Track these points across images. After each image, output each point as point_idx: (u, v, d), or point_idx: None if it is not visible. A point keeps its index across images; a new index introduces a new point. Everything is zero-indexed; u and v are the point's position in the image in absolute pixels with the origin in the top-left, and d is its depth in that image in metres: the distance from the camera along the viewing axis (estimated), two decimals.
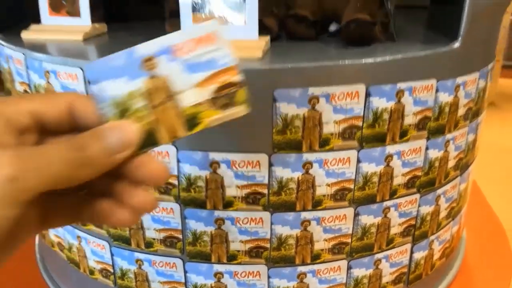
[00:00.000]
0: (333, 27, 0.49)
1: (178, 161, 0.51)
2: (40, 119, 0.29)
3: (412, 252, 0.63)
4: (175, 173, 0.51)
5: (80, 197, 0.31)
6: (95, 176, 0.28)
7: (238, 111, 0.31)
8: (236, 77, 0.31)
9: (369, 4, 0.45)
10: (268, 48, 0.50)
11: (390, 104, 0.50)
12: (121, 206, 0.30)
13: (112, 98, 0.30)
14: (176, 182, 0.52)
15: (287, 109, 0.47)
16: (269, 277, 0.57)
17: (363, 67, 0.46)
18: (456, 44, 0.52)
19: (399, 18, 0.61)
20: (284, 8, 0.47)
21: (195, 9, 0.50)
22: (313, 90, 0.46)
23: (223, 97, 0.31)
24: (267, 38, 0.48)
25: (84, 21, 0.60)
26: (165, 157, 0.51)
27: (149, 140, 0.30)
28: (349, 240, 0.56)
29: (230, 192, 0.52)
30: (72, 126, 0.30)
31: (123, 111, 0.30)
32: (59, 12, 0.60)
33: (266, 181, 0.51)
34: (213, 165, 0.51)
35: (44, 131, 0.30)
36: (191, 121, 0.31)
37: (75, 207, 0.31)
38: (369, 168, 0.53)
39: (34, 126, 0.29)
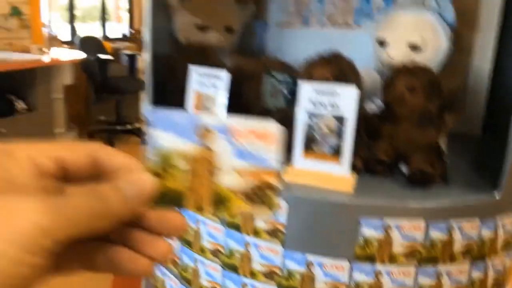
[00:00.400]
0: (404, 169, 0.64)
1: (284, 257, 0.65)
2: (63, 165, 0.30)
3: None
4: (279, 265, 0.65)
5: (95, 245, 0.31)
6: (113, 226, 0.29)
7: (265, 213, 0.32)
8: (275, 181, 0.32)
9: (432, 157, 0.60)
10: (355, 182, 0.65)
11: (443, 236, 0.64)
12: (138, 254, 0.31)
13: (161, 148, 0.32)
14: (279, 272, 0.66)
15: (367, 232, 0.61)
16: None
17: (424, 210, 0.62)
18: (497, 195, 0.66)
19: (452, 147, 0.76)
20: (368, 152, 0.63)
21: (309, 143, 0.65)
22: (388, 221, 0.61)
23: (257, 194, 0.32)
24: (355, 176, 0.63)
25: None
26: (270, 253, 0.65)
27: (175, 201, 0.32)
28: None
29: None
30: (92, 174, 0.31)
31: (165, 165, 0.32)
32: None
33: (346, 282, 0.64)
34: (309, 265, 0.64)
35: (66, 176, 0.30)
36: (220, 201, 0.32)
37: (90, 254, 0.31)
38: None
39: (57, 171, 0.30)
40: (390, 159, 0.62)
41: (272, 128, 0.32)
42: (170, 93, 0.79)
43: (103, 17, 5.60)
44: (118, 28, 6.07)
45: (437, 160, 0.60)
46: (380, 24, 0.79)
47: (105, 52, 4.58)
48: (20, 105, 3.63)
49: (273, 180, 0.32)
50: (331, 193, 0.59)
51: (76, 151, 0.31)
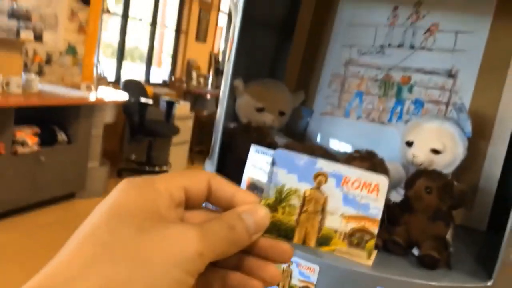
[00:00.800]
0: (415, 252, 0.78)
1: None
2: (188, 194, 0.33)
3: None
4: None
5: (214, 269, 0.34)
6: (236, 251, 0.32)
7: (362, 256, 0.36)
8: (375, 229, 0.36)
9: (439, 246, 0.74)
10: (375, 257, 0.79)
11: None
12: (251, 278, 0.34)
13: (279, 184, 0.35)
14: None
15: None
16: None
17: (429, 287, 0.74)
18: (489, 282, 0.78)
19: (461, 239, 0.90)
20: (386, 233, 0.78)
21: None
22: None
23: (357, 237, 0.35)
24: (375, 252, 0.78)
25: None
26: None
27: (285, 233, 0.35)
28: None
29: None
30: (206, 200, 0.34)
31: (280, 199, 0.35)
32: None
33: None
34: None
35: (187, 204, 0.33)
36: (324, 240, 0.36)
37: (209, 278, 0.33)
38: None
39: (184, 200, 0.33)
40: (406, 243, 0.77)
41: (380, 180, 0.35)
42: (230, 163, 0.96)
43: (149, 62, 5.93)
44: (158, 72, 6.40)
45: (443, 249, 0.75)
46: (409, 127, 0.96)
47: (146, 96, 4.86)
48: (61, 136, 3.87)
49: (373, 228, 0.35)
50: (355, 264, 0.73)
51: (198, 180, 0.33)
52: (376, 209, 0.36)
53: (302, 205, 0.36)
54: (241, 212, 0.33)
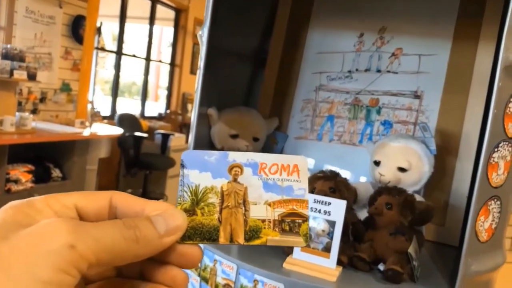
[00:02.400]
0: (380, 267, 0.80)
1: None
2: (82, 212, 0.31)
3: None
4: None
5: (113, 282, 0.32)
6: (146, 257, 0.30)
7: (297, 241, 0.34)
8: (305, 211, 0.34)
9: (402, 260, 0.76)
10: (340, 274, 0.80)
11: None
12: (157, 285, 0.32)
13: (193, 185, 0.34)
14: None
15: None
16: None
17: None
18: None
19: (432, 254, 0.92)
20: (353, 251, 0.80)
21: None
22: None
23: (288, 223, 0.33)
24: (340, 268, 0.79)
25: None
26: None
27: (209, 235, 0.33)
28: None
29: None
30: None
31: (197, 200, 0.33)
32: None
33: None
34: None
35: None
36: (252, 233, 0.33)
37: None
38: None
39: (77, 218, 0.30)
40: (370, 259, 0.79)
41: (297, 160, 0.34)
42: None
43: (144, 96, 6.02)
44: (155, 106, 6.48)
45: (406, 263, 0.77)
46: (377, 147, 0.99)
47: (141, 130, 4.92)
48: (56, 173, 3.89)
49: (303, 210, 0.33)
50: (320, 281, 0.75)
51: (94, 198, 0.31)
52: (301, 190, 0.34)
53: (222, 201, 0.34)
54: (150, 215, 0.31)
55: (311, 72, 1.20)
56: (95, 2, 4.23)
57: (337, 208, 0.73)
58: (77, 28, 4.41)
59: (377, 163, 0.97)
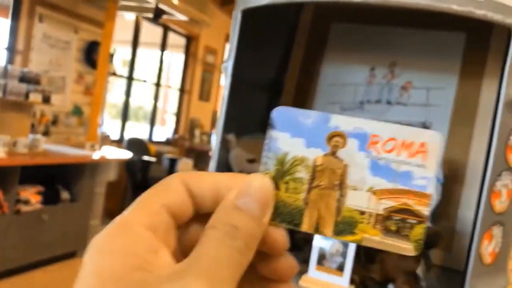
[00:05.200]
0: (390, 287, 0.85)
1: None
2: (173, 210, 0.27)
3: None
4: None
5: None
6: (256, 250, 0.26)
7: (405, 247, 0.26)
8: (424, 209, 0.25)
9: (411, 280, 0.81)
10: None
11: None
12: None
13: (281, 152, 0.27)
14: None
15: None
16: None
17: None
18: None
19: (441, 278, 0.96)
20: (365, 271, 0.84)
21: (321, 260, 0.87)
22: None
23: (396, 221, 0.26)
24: (353, 287, 0.84)
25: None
26: None
27: (291, 218, 0.27)
28: None
29: None
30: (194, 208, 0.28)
31: (283, 172, 0.27)
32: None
33: None
34: None
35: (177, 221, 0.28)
36: (345, 225, 0.26)
37: None
38: None
39: (172, 222, 0.27)
40: (380, 279, 0.84)
41: (429, 137, 0.25)
42: None
43: (152, 120, 6.12)
44: (162, 130, 6.58)
45: (415, 284, 0.81)
46: None
47: (149, 154, 4.99)
48: (65, 194, 3.95)
49: (421, 207, 0.25)
50: None
51: (174, 189, 0.28)
52: (425, 179, 0.25)
53: (313, 179, 0.27)
54: (233, 199, 0.26)
55: (325, 102, 1.27)
56: (110, 29, 4.37)
57: None
58: (90, 53, 4.54)
59: None
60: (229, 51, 0.98)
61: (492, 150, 0.74)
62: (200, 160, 6.20)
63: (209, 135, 6.83)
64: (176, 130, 6.45)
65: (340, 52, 1.27)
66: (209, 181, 0.28)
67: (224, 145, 1.13)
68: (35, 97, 3.50)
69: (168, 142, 6.27)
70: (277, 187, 0.27)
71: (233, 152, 1.18)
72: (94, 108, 4.53)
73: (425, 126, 1.16)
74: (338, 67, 1.27)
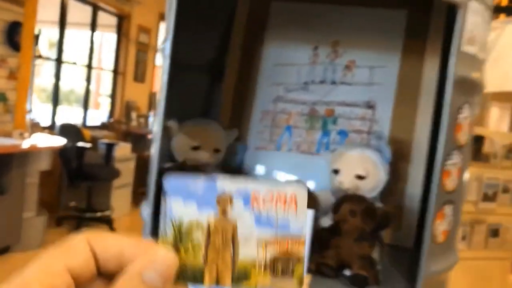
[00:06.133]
0: (346, 272, 0.84)
1: None
2: (74, 273, 0.28)
3: None
4: None
5: None
6: None
7: (291, 285, 0.30)
8: (301, 250, 0.30)
9: (367, 264, 0.80)
10: (310, 281, 0.83)
11: None
12: None
13: (177, 218, 0.30)
14: None
15: None
16: None
17: None
18: None
19: (389, 257, 0.97)
20: (320, 258, 0.83)
21: None
22: None
23: (281, 264, 0.30)
24: (309, 276, 0.82)
25: None
26: None
27: (193, 276, 0.29)
28: None
29: None
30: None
31: (180, 236, 0.30)
32: None
33: None
34: None
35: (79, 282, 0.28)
36: (241, 275, 0.30)
37: None
38: None
39: (73, 284, 0.27)
40: (336, 265, 0.82)
41: (296, 190, 0.30)
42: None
43: (85, 105, 5.84)
44: (96, 114, 6.30)
45: (371, 267, 0.81)
46: (335, 156, 1.03)
47: (83, 140, 4.76)
48: None
49: (299, 248, 0.30)
50: None
51: (75, 255, 0.28)
52: (299, 226, 0.30)
53: (208, 239, 0.30)
54: (138, 271, 0.27)
55: (269, 83, 1.23)
56: (32, 8, 4.07)
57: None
58: (13, 35, 4.21)
59: (336, 172, 1.01)
60: (165, 32, 0.91)
61: (442, 130, 0.74)
62: (138, 143, 6.01)
63: (147, 118, 6.64)
64: (111, 114, 6.21)
65: (282, 31, 1.23)
66: (114, 244, 0.29)
67: (165, 132, 1.06)
68: None
69: (103, 127, 6.02)
70: (177, 250, 0.30)
71: (175, 139, 1.11)
72: (20, 93, 4.24)
73: (369, 105, 1.15)
74: (280, 46, 1.23)
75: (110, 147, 4.91)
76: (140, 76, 6.57)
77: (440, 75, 1.08)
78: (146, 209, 0.98)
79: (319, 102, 1.18)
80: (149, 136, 6.10)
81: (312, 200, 0.87)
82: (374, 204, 0.84)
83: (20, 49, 4.18)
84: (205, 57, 1.28)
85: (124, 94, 6.25)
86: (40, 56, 4.88)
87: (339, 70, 1.17)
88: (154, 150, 0.96)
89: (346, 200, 0.83)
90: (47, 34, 5.62)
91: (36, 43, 4.54)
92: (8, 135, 4.01)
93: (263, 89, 1.22)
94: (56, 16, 5.04)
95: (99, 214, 4.79)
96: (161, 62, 0.93)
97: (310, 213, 0.76)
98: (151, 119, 6.57)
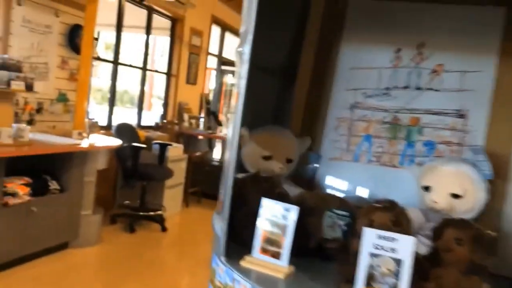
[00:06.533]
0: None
1: None
2: None
3: None
4: None
5: None
6: None
7: None
8: None
9: None
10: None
11: None
12: None
13: None
14: None
15: None
16: None
17: None
18: None
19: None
20: None
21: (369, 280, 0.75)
22: None
23: None
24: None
25: (283, 263, 0.88)
26: None
27: None
28: None
29: None
30: None
31: None
32: (266, 253, 0.89)
33: None
34: None
35: None
36: None
37: None
38: None
39: None
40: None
41: None
42: (240, 216, 0.91)
43: (140, 106, 5.94)
44: (149, 115, 6.40)
45: None
46: (425, 171, 0.93)
47: (138, 140, 4.83)
48: (53, 185, 3.78)
49: None
50: None
51: None
52: None
53: None
54: None
55: (345, 88, 1.14)
56: (92, 11, 4.15)
57: (404, 245, 0.67)
58: (73, 38, 4.32)
59: (427, 189, 0.91)
60: (244, 34, 0.84)
61: None
62: (189, 144, 6.06)
63: (198, 119, 6.69)
64: (164, 115, 6.29)
65: (360, 32, 1.14)
66: None
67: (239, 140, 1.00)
68: (17, 85, 3.31)
69: (156, 127, 6.10)
70: None
71: (247, 148, 1.05)
72: (80, 94, 4.33)
73: (460, 113, 1.04)
74: (358, 48, 1.13)
75: (163, 147, 4.95)
76: (192, 78, 6.63)
77: None
78: (218, 222, 0.92)
79: (403, 109, 1.07)
80: (200, 137, 6.12)
81: (407, 221, 0.77)
82: (482, 230, 0.73)
83: (80, 51, 4.27)
84: (277, 60, 1.20)
85: (176, 96, 6.31)
86: (98, 58, 4.99)
87: (425, 74, 1.06)
88: (230, 158, 0.90)
89: (449, 225, 0.73)
90: (105, 36, 5.76)
91: (95, 45, 4.64)
92: (68, 134, 4.11)
93: (338, 95, 1.13)
94: (113, 19, 5.14)
95: (152, 213, 4.83)
96: (238, 66, 0.86)
97: (411, 241, 0.67)
98: (202, 120, 6.62)
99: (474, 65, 1.02)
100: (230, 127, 0.89)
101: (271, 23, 1.11)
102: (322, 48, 1.16)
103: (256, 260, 0.91)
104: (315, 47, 1.16)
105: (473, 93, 1.02)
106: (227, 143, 0.91)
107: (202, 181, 5.75)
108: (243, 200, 0.91)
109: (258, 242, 0.89)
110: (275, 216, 0.82)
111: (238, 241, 0.95)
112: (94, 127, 4.52)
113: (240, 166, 1.06)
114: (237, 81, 0.84)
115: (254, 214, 0.82)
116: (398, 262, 0.68)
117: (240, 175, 0.99)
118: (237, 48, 0.86)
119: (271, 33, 1.12)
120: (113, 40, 5.33)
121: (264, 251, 0.89)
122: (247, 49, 0.81)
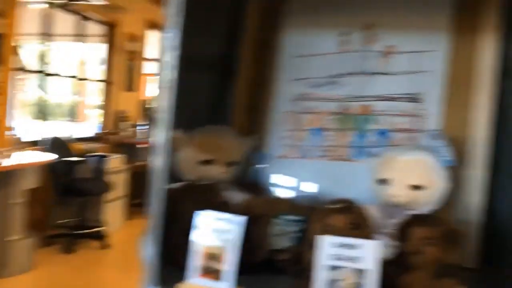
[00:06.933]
0: None
1: None
2: None
3: None
4: None
5: None
6: None
7: None
8: None
9: None
10: None
11: None
12: None
13: None
14: None
15: None
16: None
17: None
18: None
19: None
20: None
21: None
22: None
23: None
24: None
25: (228, 285, 0.76)
26: None
27: None
28: None
29: None
30: None
31: None
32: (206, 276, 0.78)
33: None
34: None
35: None
36: None
37: None
38: None
39: None
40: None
41: None
42: (174, 234, 0.78)
43: (73, 117, 5.66)
44: (84, 127, 6.09)
45: None
46: (381, 163, 0.84)
47: (72, 154, 4.54)
48: None
49: None
50: None
51: None
52: None
53: None
54: None
55: (289, 79, 1.03)
56: (13, 19, 3.84)
57: (368, 252, 0.56)
58: None
59: (384, 182, 0.82)
60: (168, 19, 0.71)
61: None
62: (131, 154, 5.80)
63: (136, 127, 6.46)
64: (103, 125, 6.00)
65: (302, 16, 1.03)
66: None
67: (171, 144, 0.86)
68: None
69: (94, 139, 5.80)
70: None
71: (182, 153, 0.91)
72: (1, 109, 3.99)
73: (415, 98, 0.96)
74: (301, 34, 1.03)
75: (100, 159, 4.68)
76: (130, 85, 6.39)
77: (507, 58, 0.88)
78: (147, 246, 0.77)
79: (352, 97, 0.98)
80: (140, 146, 5.89)
81: (366, 222, 0.66)
82: (453, 226, 0.64)
83: (1, 63, 3.94)
84: (213, 52, 1.07)
85: (114, 104, 6.05)
86: (22, 69, 4.65)
87: (375, 58, 0.98)
88: (160, 166, 0.76)
89: (415, 223, 0.63)
90: (32, 46, 5.41)
91: (18, 55, 4.31)
92: None
93: (283, 87, 1.03)
94: (41, 28, 4.83)
95: (91, 230, 4.55)
96: (164, 56, 0.72)
97: (375, 246, 0.56)
98: (140, 128, 6.39)
99: (426, 44, 0.95)
100: (158, 130, 0.75)
101: (203, 11, 0.98)
102: (263, 36, 1.05)
103: (194, 286, 0.77)
104: (255, 35, 1.05)
105: (427, 75, 0.95)
106: (154, 148, 0.76)
107: (146, 192, 5.52)
108: (176, 214, 0.78)
109: (195, 264, 0.75)
110: (215, 231, 0.70)
111: (175, 263, 0.81)
112: (19, 144, 4.19)
113: (174, 175, 0.92)
114: (160, 72, 0.70)
115: (190, 231, 0.69)
116: (361, 272, 0.57)
117: (172, 185, 0.85)
118: (163, 36, 0.72)
119: (204, 20, 0.99)
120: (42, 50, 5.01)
121: (205, 273, 0.76)
122: (172, 37, 0.67)
